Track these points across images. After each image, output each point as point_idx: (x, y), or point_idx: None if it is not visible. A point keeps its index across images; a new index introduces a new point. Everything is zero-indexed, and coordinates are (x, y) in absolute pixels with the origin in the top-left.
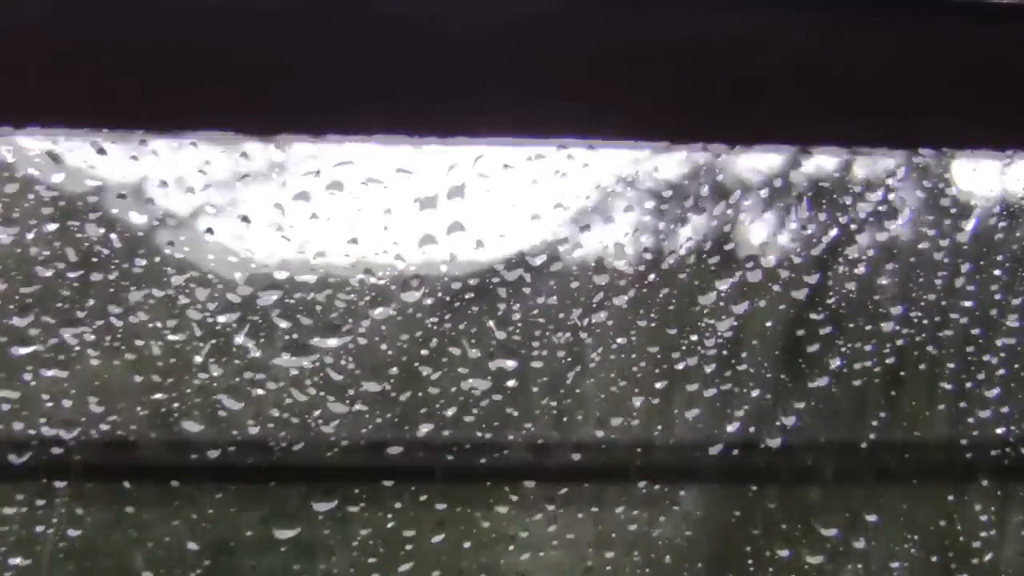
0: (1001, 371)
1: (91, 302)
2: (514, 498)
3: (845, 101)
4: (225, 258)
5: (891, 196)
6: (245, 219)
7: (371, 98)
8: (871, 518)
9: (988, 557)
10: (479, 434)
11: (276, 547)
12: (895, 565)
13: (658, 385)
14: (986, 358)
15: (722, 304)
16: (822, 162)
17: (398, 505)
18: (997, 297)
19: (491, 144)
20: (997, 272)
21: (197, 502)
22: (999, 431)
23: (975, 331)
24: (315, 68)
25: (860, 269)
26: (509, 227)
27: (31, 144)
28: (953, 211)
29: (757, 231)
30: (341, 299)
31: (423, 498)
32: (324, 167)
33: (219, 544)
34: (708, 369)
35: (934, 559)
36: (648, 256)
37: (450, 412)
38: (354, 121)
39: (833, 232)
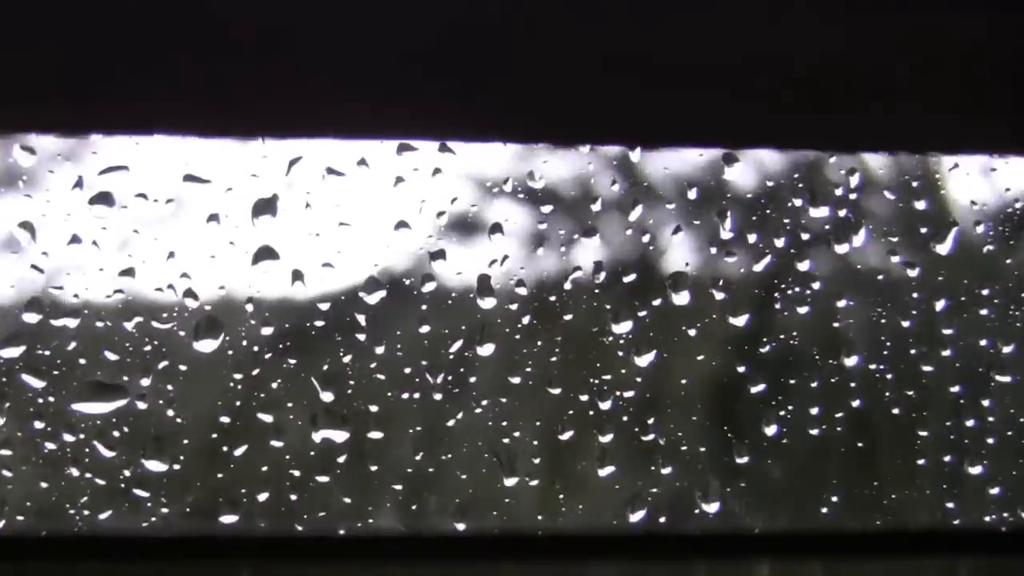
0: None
1: None
2: None
3: (776, 97)
4: None
5: (842, 211)
6: None
7: (155, 88)
8: None
9: None
10: (299, 528)
11: None
12: None
13: (537, 460)
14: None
15: (624, 352)
16: (753, 168)
17: None
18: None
19: (313, 143)
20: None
21: None
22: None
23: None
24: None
25: (803, 309)
26: (337, 253)
27: None
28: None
29: (671, 259)
30: (112, 350)
31: None
32: (88, 174)
33: None
34: (605, 438)
35: None
36: (522, 292)
37: (261, 499)
38: (129, 115)
39: (767, 259)
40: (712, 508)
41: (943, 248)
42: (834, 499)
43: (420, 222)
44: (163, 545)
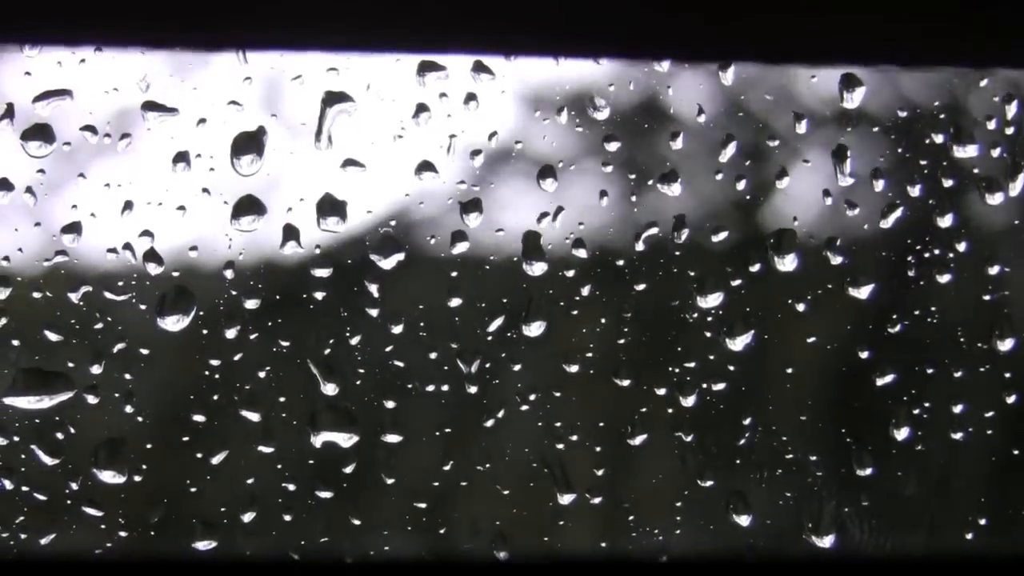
0: None
1: None
2: None
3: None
4: None
5: (995, 149)
6: None
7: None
8: None
9: None
10: (295, 556)
11: None
12: None
13: (601, 472)
14: None
15: (713, 333)
16: (881, 93)
17: None
18: None
19: (310, 59)
20: None
21: None
22: None
23: None
24: None
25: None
26: (343, 203)
27: None
28: None
29: (775, 211)
30: (53, 329)
31: None
32: (20, 100)
33: None
34: (688, 437)
35: None
36: (581, 254)
37: (245, 520)
38: (72, 23)
39: (898, 212)
40: (825, 536)
41: None
42: (981, 522)
43: (448, 164)
44: (119, 568)
